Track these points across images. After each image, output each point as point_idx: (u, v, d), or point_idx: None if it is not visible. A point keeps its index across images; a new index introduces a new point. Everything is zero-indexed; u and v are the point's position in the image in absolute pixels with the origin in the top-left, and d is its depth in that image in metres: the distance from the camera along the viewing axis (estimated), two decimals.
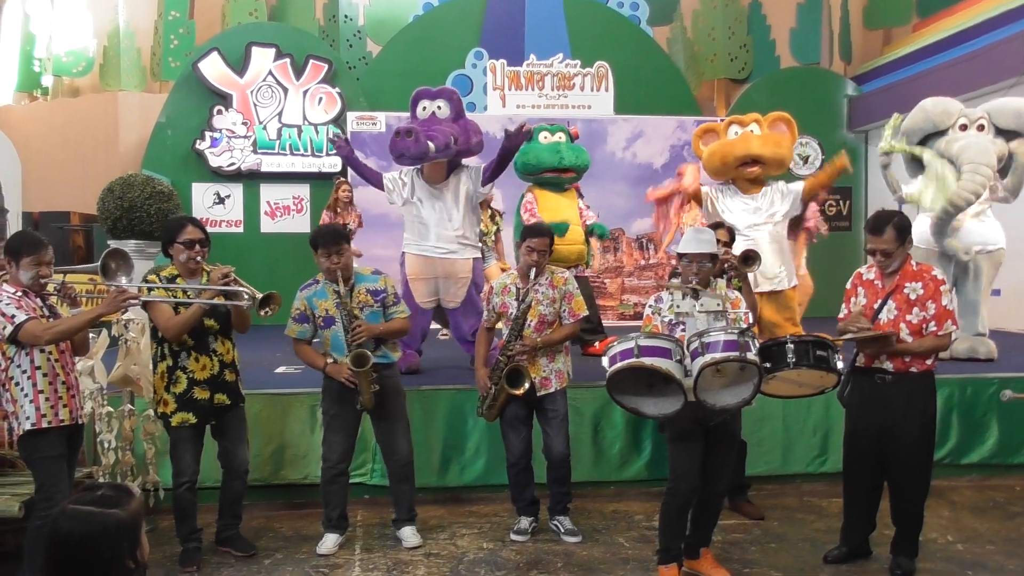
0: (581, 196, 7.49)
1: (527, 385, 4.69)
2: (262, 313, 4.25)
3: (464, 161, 6.50)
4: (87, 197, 9.65)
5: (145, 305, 4.31)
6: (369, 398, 4.55)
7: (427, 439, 5.59)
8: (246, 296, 4.23)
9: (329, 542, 4.74)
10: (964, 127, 6.80)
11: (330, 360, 4.62)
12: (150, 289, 4.31)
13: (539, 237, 4.77)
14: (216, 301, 4.32)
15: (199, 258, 4.40)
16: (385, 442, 4.84)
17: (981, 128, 6.74)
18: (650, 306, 4.30)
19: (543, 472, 4.94)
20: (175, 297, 4.33)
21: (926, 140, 7.02)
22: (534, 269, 4.75)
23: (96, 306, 4.00)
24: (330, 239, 4.53)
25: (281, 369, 6.52)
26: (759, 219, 6.80)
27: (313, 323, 4.64)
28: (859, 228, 11.67)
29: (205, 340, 4.40)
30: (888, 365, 4.21)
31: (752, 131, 6.95)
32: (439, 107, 6.34)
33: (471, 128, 6.39)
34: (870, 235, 4.20)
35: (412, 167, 6.40)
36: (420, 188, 6.35)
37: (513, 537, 4.89)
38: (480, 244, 6.85)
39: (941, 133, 6.90)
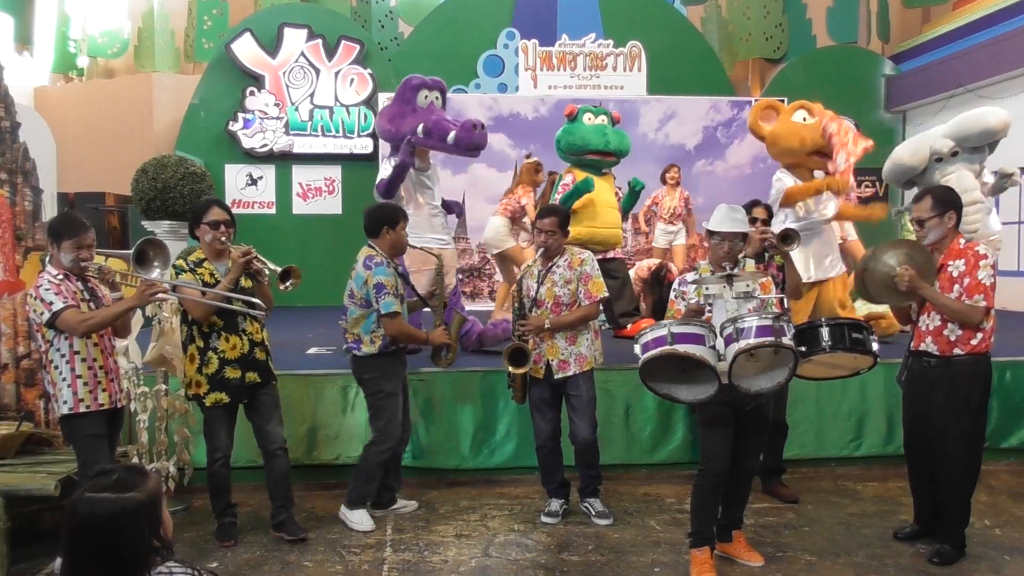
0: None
1: (528, 366, 4.68)
2: (283, 287, 4.35)
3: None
4: (121, 178, 9.73)
5: (176, 291, 4.35)
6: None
7: (458, 421, 5.60)
8: (267, 272, 4.34)
9: (370, 520, 4.79)
10: (939, 159, 6.39)
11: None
12: (178, 274, 4.34)
13: (546, 217, 4.75)
14: (242, 288, 4.41)
15: (224, 239, 4.41)
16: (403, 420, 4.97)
17: (955, 154, 6.35)
18: (674, 290, 4.26)
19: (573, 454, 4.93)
20: (203, 280, 4.36)
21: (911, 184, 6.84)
22: (542, 249, 4.74)
23: (128, 297, 4.02)
24: (403, 213, 4.72)
25: (313, 350, 6.54)
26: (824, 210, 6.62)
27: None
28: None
29: (234, 320, 4.41)
30: (933, 348, 4.17)
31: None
32: (436, 97, 6.48)
33: None
34: (913, 203, 4.30)
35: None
36: (417, 183, 6.31)
37: (544, 519, 4.88)
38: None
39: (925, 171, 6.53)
